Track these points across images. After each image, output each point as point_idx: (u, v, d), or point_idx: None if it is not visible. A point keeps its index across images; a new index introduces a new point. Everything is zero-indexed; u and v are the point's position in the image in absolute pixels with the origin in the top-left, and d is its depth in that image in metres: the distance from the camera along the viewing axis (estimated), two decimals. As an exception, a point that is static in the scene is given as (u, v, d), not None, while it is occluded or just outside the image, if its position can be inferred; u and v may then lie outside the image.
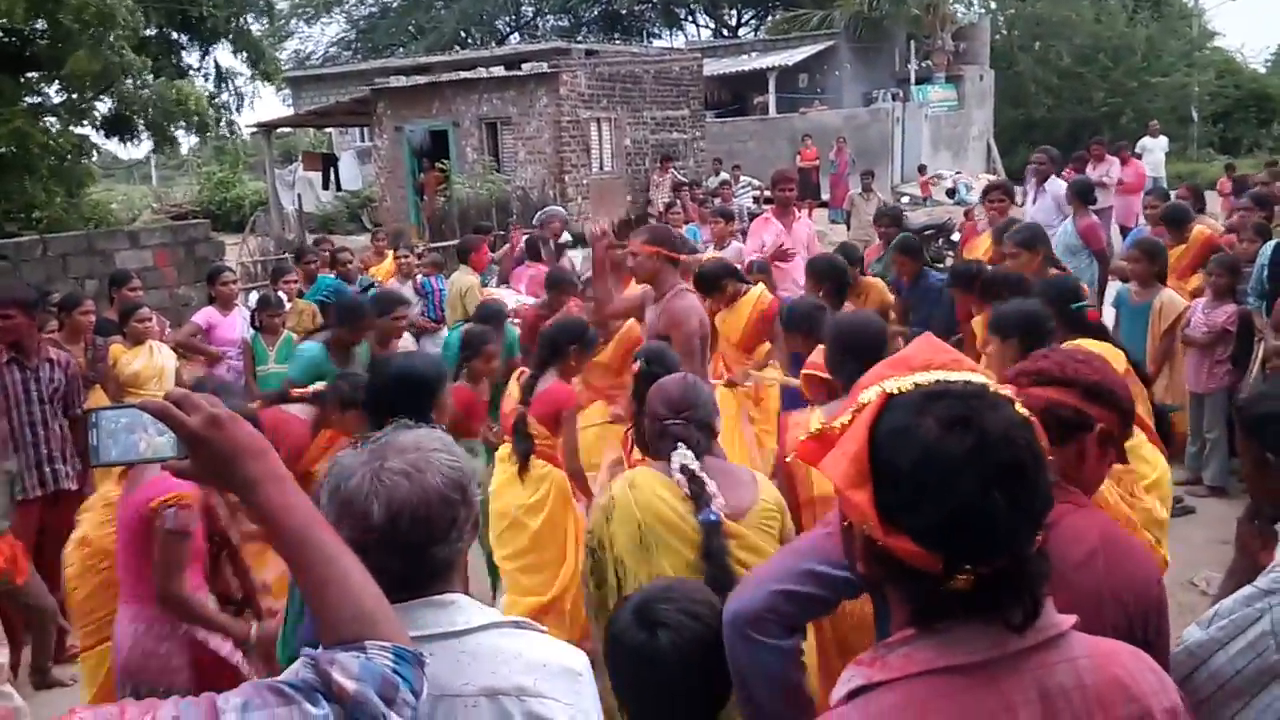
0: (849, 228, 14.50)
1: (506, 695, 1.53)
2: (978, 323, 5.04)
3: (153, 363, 5.92)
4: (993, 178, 20.82)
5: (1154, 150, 16.81)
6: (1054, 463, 1.54)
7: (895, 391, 1.17)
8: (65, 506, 4.93)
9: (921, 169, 21.45)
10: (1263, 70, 36.55)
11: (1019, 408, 1.17)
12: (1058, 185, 8.48)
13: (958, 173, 22.85)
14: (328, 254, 8.81)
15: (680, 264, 5.04)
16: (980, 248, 7.01)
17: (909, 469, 1.11)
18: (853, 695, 1.20)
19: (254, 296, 7.84)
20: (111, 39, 10.35)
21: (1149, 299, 6.03)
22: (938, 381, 1.17)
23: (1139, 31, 30.40)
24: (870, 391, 1.20)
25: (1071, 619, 1.21)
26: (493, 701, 1.52)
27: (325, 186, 22.85)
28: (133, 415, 1.35)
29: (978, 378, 1.19)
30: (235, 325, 6.83)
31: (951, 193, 20.72)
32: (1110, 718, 1.17)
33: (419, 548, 1.57)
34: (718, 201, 12.68)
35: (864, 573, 1.23)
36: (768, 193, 12.58)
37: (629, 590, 2.46)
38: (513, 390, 4.56)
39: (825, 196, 19.73)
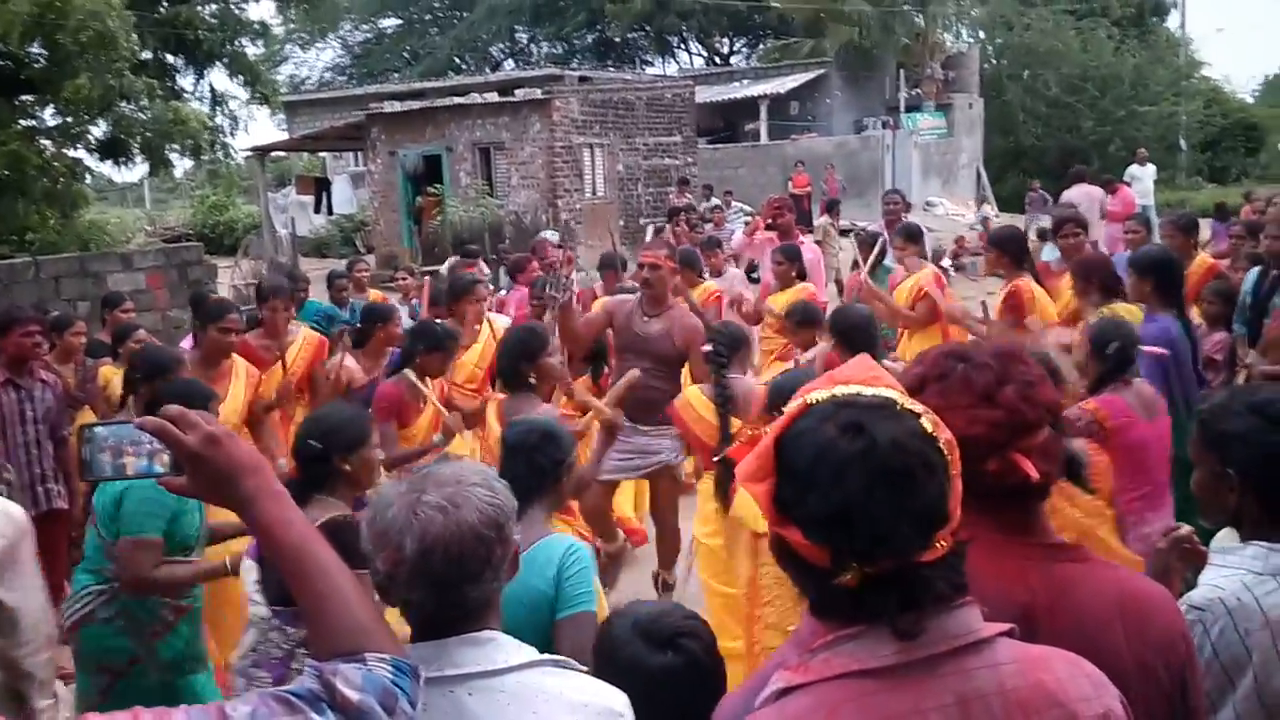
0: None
1: None
2: None
3: (144, 384, 5.92)
4: (988, 208, 21.07)
5: (1142, 178, 16.93)
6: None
7: (814, 402, 1.27)
8: (56, 525, 4.95)
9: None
10: (1250, 100, 37.01)
11: (925, 422, 1.24)
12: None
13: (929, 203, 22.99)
14: (364, 276, 8.67)
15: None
16: (1065, 293, 5.98)
17: (804, 466, 1.20)
18: (778, 698, 1.24)
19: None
20: (109, 62, 10.39)
21: None
22: (851, 394, 1.26)
23: (1126, 61, 30.71)
24: (795, 402, 1.29)
25: (998, 626, 1.25)
26: None
27: (317, 210, 22.90)
28: (128, 431, 1.37)
29: (889, 392, 1.28)
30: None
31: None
32: None
33: (451, 585, 1.55)
34: (709, 227, 12.73)
35: (783, 570, 1.31)
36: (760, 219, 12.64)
37: None
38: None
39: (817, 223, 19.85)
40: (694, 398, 4.22)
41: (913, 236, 6.81)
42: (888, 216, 8.32)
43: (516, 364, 4.12)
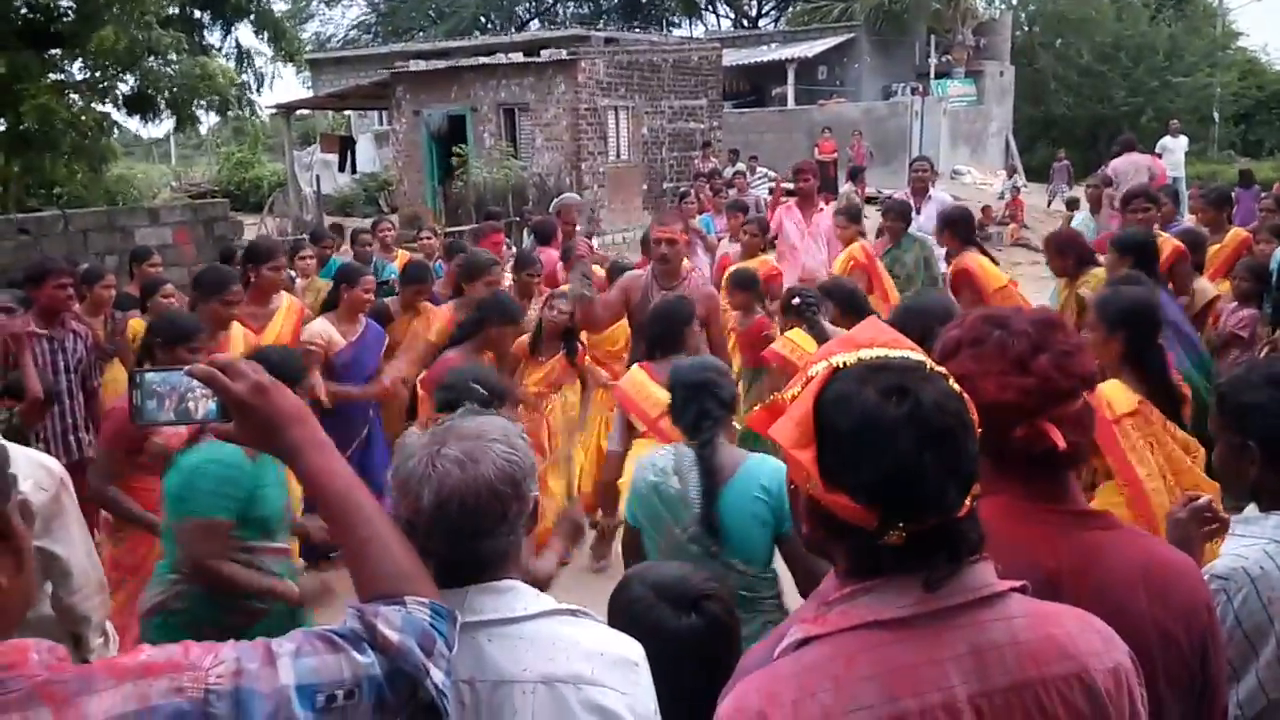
0: None
1: (564, 683, 1.54)
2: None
3: (172, 338, 5.98)
4: (1018, 178, 20.83)
5: (1174, 150, 16.69)
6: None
7: (841, 365, 1.27)
8: (85, 474, 5.05)
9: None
10: (1286, 72, 36.25)
11: (951, 382, 1.27)
12: (941, 195, 8.46)
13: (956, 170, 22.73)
14: (389, 235, 8.75)
15: None
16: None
17: (849, 431, 1.21)
18: (796, 649, 1.26)
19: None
20: (138, 16, 10.42)
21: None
22: (879, 357, 1.27)
23: (1161, 30, 30.20)
24: (819, 365, 1.29)
25: (1012, 582, 1.28)
26: (550, 689, 1.54)
27: (341, 169, 22.93)
28: (178, 379, 1.40)
29: (916, 355, 1.29)
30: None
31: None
32: (1044, 673, 1.23)
33: (465, 536, 1.57)
34: (733, 192, 12.65)
35: (808, 534, 1.32)
36: (785, 184, 12.58)
37: None
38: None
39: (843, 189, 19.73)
40: (798, 336, 4.67)
41: (854, 217, 7.03)
42: (916, 184, 8.23)
43: (678, 329, 4.27)
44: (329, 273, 7.62)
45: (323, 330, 5.29)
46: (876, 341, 1.30)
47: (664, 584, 2.00)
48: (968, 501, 1.23)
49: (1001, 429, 1.48)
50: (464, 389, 2.98)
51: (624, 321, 5.54)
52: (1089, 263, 5.46)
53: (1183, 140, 17.36)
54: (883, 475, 1.19)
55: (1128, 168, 11.22)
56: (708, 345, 5.21)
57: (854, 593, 1.25)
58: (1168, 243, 5.97)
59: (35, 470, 2.54)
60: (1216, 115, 30.27)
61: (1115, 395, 3.13)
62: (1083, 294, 5.23)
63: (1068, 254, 5.53)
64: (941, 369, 1.29)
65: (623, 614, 1.99)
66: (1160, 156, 15.28)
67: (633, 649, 1.65)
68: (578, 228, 9.64)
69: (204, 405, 1.39)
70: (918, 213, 7.97)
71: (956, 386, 1.27)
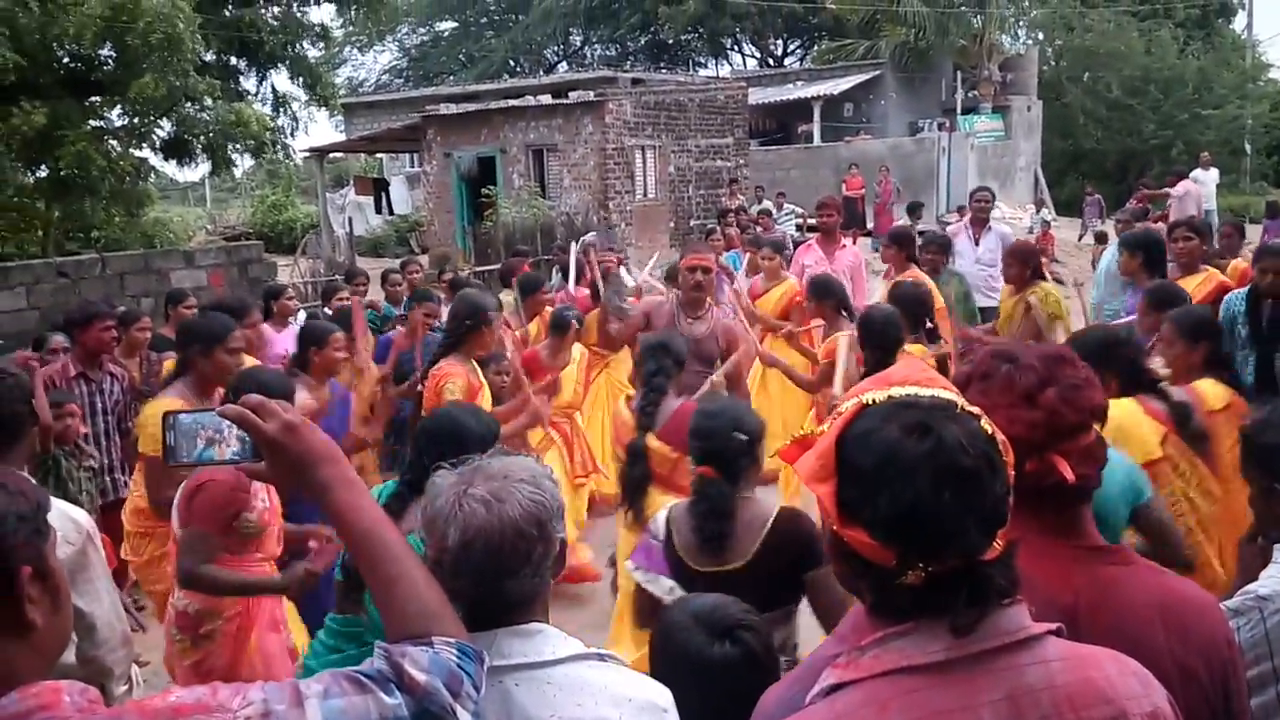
0: None
1: None
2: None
3: (207, 378, 6.06)
4: (1046, 212, 20.75)
5: (1205, 182, 16.54)
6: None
7: (870, 402, 1.27)
8: (120, 513, 5.11)
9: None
10: (1318, 103, 35.94)
11: (983, 423, 1.25)
12: (1002, 227, 8.35)
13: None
14: (416, 276, 8.83)
15: None
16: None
17: (869, 467, 1.20)
18: (826, 695, 1.25)
19: (303, 315, 8.00)
20: (176, 64, 10.66)
21: None
22: (909, 395, 1.27)
23: (1190, 63, 30.08)
24: (850, 402, 1.29)
25: (1047, 625, 1.25)
26: None
27: (378, 211, 23.22)
28: (210, 419, 1.44)
29: (947, 394, 1.28)
30: (288, 342, 6.98)
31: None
32: (1081, 718, 1.20)
33: (491, 577, 1.56)
34: (759, 230, 12.71)
35: (836, 570, 1.31)
36: (811, 220, 12.61)
37: None
38: (622, 413, 4.25)
39: (870, 225, 19.72)
40: (918, 349, 4.84)
41: (779, 248, 7.13)
42: (977, 214, 8.25)
43: (899, 340, 4.50)
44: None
45: (304, 403, 4.55)
46: (909, 380, 1.30)
47: (702, 611, 2.00)
48: (997, 544, 1.21)
49: (1012, 463, 1.49)
50: (725, 436, 2.74)
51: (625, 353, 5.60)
52: (1039, 276, 6.13)
53: (1214, 173, 17.23)
54: (899, 512, 1.17)
55: (1195, 190, 11.11)
56: (725, 376, 5.27)
57: (887, 637, 1.23)
58: (1213, 278, 5.92)
59: (62, 523, 2.50)
60: (1248, 147, 29.99)
61: (1210, 391, 3.42)
62: (1031, 301, 5.94)
63: (1027, 263, 6.13)
64: (974, 409, 1.27)
65: (659, 637, 2.00)
66: (1191, 189, 15.19)
67: (661, 695, 1.63)
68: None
69: (236, 445, 1.43)
70: (976, 244, 7.97)
71: (989, 427, 1.25)
